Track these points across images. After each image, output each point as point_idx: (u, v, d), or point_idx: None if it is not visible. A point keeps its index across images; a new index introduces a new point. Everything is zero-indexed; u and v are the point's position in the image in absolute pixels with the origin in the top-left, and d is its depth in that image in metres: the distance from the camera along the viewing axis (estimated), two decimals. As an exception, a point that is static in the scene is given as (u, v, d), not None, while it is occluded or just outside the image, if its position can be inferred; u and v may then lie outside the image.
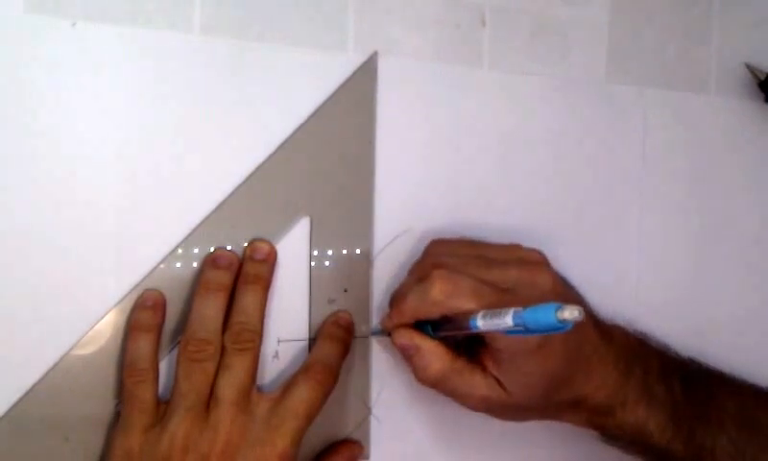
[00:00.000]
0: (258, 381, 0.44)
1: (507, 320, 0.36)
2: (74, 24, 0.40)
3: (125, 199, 0.42)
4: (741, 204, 0.57)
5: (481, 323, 0.38)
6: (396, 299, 0.45)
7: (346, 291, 0.46)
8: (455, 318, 0.41)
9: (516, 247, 0.45)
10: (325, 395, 0.42)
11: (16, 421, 0.40)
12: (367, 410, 0.47)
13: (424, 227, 0.48)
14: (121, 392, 0.41)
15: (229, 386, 0.41)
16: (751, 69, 0.56)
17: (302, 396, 0.41)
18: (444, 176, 0.49)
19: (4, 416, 0.40)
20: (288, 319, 0.45)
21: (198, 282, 0.42)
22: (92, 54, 0.41)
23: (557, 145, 0.51)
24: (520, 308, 0.35)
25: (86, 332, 0.41)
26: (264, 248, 0.44)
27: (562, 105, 0.52)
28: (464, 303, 0.40)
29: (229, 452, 0.40)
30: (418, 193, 0.48)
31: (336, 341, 0.45)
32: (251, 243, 0.44)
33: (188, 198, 0.43)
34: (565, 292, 0.45)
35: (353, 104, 0.46)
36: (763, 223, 0.57)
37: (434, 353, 0.43)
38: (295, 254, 0.45)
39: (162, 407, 0.41)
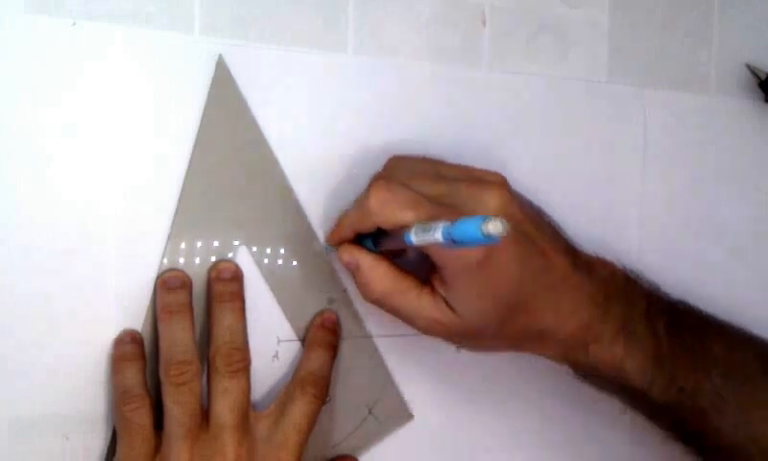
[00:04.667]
0: (259, 381, 0.44)
1: (437, 235, 0.34)
2: (74, 24, 0.40)
3: (122, 198, 0.42)
4: (741, 203, 0.57)
5: (414, 238, 0.36)
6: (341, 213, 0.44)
7: (345, 291, 0.46)
8: (392, 232, 0.39)
9: (478, 169, 0.43)
10: (321, 406, 0.43)
11: (16, 421, 0.40)
12: (366, 410, 0.47)
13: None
14: (117, 423, 0.41)
15: (230, 411, 0.40)
16: (751, 69, 0.56)
17: (301, 410, 0.42)
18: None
19: (4, 416, 0.40)
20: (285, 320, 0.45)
21: (158, 308, 0.42)
22: (92, 54, 0.41)
23: (557, 145, 0.51)
24: (449, 222, 0.33)
25: (87, 332, 0.41)
26: (230, 267, 0.43)
27: (562, 105, 0.52)
28: (399, 214, 0.39)
29: None
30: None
31: (325, 347, 0.44)
32: (214, 265, 0.43)
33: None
34: (520, 213, 0.42)
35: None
36: (763, 222, 0.57)
37: (375, 270, 0.42)
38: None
39: (157, 435, 0.40)
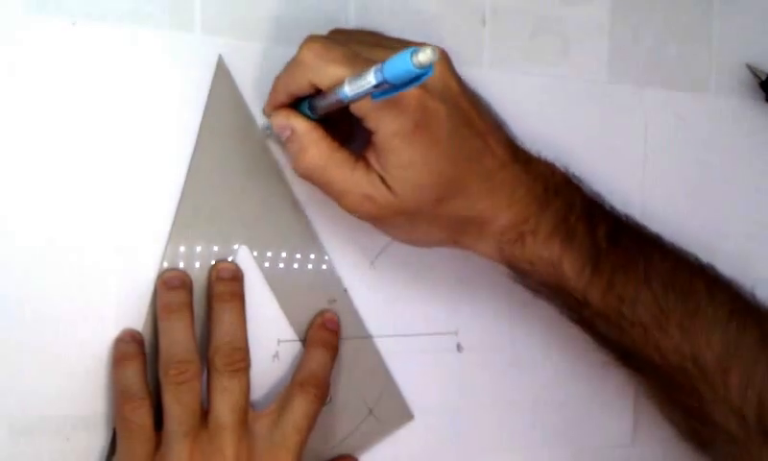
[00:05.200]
0: (259, 381, 0.44)
1: (370, 78, 0.33)
2: (74, 24, 0.40)
3: (122, 198, 0.42)
4: (741, 203, 0.57)
5: (348, 88, 0.35)
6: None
7: (345, 291, 0.46)
8: (327, 90, 0.37)
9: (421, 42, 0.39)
10: (321, 406, 0.43)
11: (16, 421, 0.40)
12: (367, 410, 0.47)
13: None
14: (117, 423, 0.41)
15: (230, 410, 0.41)
16: (751, 69, 0.56)
17: (302, 410, 0.42)
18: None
19: (4, 416, 0.40)
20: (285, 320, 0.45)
21: (158, 307, 0.42)
22: (92, 54, 0.41)
23: (557, 145, 0.51)
24: (380, 64, 0.32)
25: (87, 332, 0.41)
26: (230, 267, 0.43)
27: (562, 105, 0.52)
28: (334, 69, 0.37)
29: None
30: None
31: (325, 347, 0.44)
32: (214, 265, 0.43)
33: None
34: (458, 89, 0.40)
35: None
36: (764, 222, 0.57)
37: (309, 137, 0.39)
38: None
39: (157, 435, 0.41)
